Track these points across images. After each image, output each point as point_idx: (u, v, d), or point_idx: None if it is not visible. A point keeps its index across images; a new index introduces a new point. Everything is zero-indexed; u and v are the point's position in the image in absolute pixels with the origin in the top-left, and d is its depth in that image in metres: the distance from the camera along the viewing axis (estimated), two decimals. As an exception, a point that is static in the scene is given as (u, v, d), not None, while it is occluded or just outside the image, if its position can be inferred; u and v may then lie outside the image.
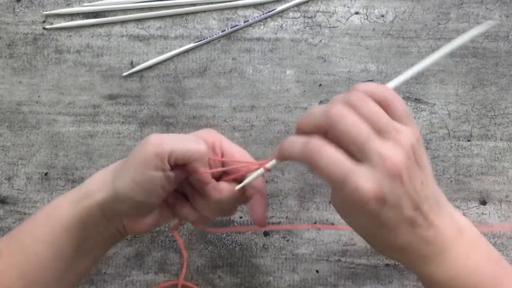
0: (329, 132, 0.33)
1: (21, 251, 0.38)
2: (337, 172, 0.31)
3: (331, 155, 0.32)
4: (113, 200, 0.37)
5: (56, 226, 0.38)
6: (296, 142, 0.34)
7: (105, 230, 0.39)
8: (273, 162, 0.37)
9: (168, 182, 0.37)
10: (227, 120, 0.53)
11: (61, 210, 0.39)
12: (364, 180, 0.31)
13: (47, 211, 0.39)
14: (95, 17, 0.55)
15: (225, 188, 0.39)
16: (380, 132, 0.32)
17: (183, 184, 0.40)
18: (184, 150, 0.37)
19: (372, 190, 0.31)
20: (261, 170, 0.38)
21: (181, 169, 0.38)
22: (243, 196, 0.40)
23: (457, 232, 0.34)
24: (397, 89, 0.53)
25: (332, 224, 0.51)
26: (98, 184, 0.38)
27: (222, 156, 0.40)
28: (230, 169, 0.39)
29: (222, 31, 0.54)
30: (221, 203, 0.39)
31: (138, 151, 0.37)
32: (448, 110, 0.53)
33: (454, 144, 0.52)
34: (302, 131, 0.34)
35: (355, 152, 0.32)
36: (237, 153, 0.40)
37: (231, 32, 0.55)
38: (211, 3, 0.55)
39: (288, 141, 0.34)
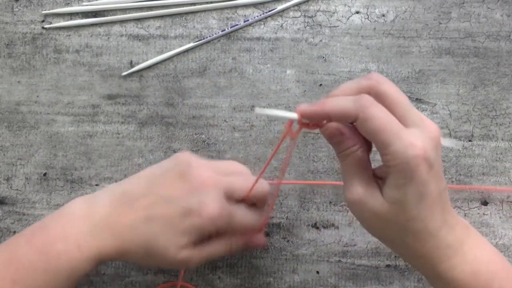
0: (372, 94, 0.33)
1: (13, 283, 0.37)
2: (389, 129, 0.32)
3: (384, 112, 0.32)
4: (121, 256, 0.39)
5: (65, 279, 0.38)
6: (343, 99, 0.34)
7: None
8: (294, 115, 0.36)
9: None
10: (227, 120, 0.53)
11: (74, 263, 0.38)
12: (416, 137, 0.32)
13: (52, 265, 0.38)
14: (94, 16, 0.55)
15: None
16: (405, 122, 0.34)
17: None
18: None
19: (423, 149, 0.32)
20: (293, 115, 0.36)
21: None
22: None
23: (466, 228, 0.36)
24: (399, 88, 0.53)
25: (333, 225, 0.51)
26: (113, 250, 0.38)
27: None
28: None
29: (222, 31, 0.54)
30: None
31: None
32: (449, 110, 0.53)
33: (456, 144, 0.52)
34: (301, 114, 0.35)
35: (401, 115, 0.33)
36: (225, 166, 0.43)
37: (231, 32, 0.55)
38: (211, 2, 0.55)
39: (331, 99, 0.34)
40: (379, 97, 0.33)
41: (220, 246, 0.40)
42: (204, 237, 0.39)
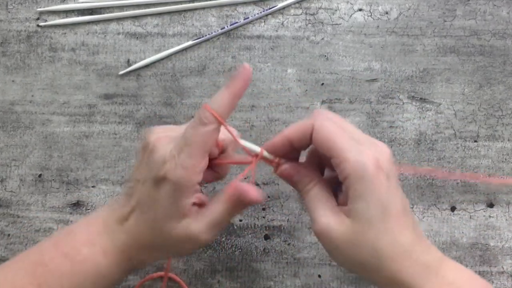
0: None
1: None
2: (342, 138, 0.34)
3: (335, 125, 0.35)
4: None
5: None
6: (298, 122, 0.37)
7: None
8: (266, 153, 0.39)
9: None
10: (226, 120, 0.53)
11: (100, 269, 0.38)
12: (367, 150, 0.34)
13: (89, 273, 0.38)
14: (91, 14, 0.55)
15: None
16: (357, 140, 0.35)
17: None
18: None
19: (374, 158, 0.34)
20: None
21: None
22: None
23: (440, 251, 0.36)
24: (402, 88, 0.53)
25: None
26: (139, 230, 0.38)
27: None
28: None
29: (222, 29, 0.54)
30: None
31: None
32: (454, 110, 0.53)
33: (461, 145, 0.52)
34: (283, 142, 0.38)
35: (353, 137, 0.35)
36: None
37: (231, 30, 0.55)
38: (210, -1, 0.55)
39: (288, 127, 0.38)
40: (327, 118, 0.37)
41: (217, 204, 0.39)
42: (188, 193, 0.37)
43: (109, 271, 0.38)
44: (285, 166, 0.38)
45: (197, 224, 0.38)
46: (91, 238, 0.39)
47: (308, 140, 0.36)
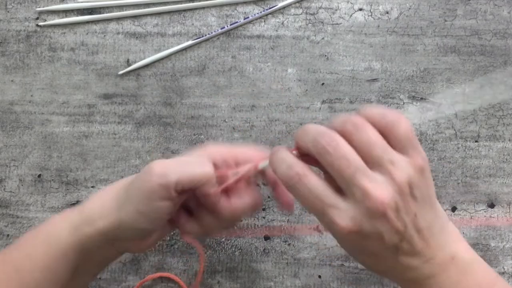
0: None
1: (17, 275, 0.38)
2: (316, 203, 0.32)
3: (314, 185, 0.32)
4: (117, 229, 0.37)
5: (55, 251, 0.38)
6: (284, 161, 0.34)
7: (105, 253, 0.39)
8: (265, 163, 0.37)
9: (174, 208, 0.37)
10: (226, 120, 0.53)
11: (60, 234, 0.38)
12: (342, 216, 0.31)
13: (46, 234, 0.39)
14: (90, 13, 0.55)
15: (238, 203, 0.38)
16: (372, 164, 0.32)
17: (187, 199, 0.39)
18: (191, 177, 0.36)
19: (347, 227, 0.31)
20: (264, 163, 0.37)
21: (188, 192, 0.37)
22: (254, 205, 0.39)
23: (448, 259, 0.34)
24: (402, 88, 0.53)
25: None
26: (101, 211, 0.38)
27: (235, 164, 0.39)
28: (239, 178, 0.39)
29: (221, 28, 0.54)
30: (234, 218, 0.39)
31: (142, 181, 0.36)
32: (454, 110, 0.53)
33: (461, 145, 0.52)
34: (297, 145, 0.35)
35: (341, 185, 0.32)
36: (241, 154, 0.39)
37: (231, 29, 0.55)
38: (210, -1, 0.55)
39: (279, 153, 0.34)
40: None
41: (209, 217, 0.39)
42: (169, 193, 0.37)
43: (85, 239, 0.38)
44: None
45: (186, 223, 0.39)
46: (64, 216, 0.39)
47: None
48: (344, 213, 0.31)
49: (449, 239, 0.34)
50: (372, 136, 0.32)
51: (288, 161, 0.33)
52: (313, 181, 0.32)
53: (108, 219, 0.37)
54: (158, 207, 0.36)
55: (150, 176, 0.36)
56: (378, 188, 0.31)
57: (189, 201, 0.39)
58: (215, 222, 0.39)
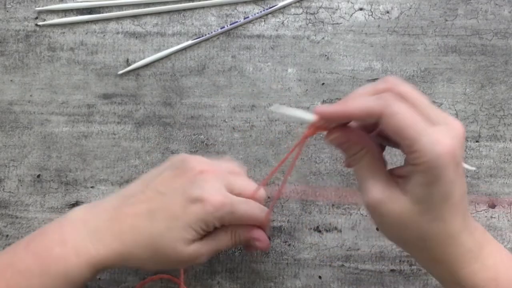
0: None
1: None
2: (416, 125, 0.32)
3: (408, 108, 0.32)
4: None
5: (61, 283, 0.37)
6: (365, 98, 0.33)
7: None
8: (311, 118, 0.35)
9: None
10: (226, 120, 0.53)
11: (79, 275, 0.38)
12: (442, 136, 0.31)
13: (63, 276, 0.38)
14: (90, 13, 0.55)
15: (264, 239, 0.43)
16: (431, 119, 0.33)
17: None
18: (250, 219, 0.40)
19: (450, 146, 0.31)
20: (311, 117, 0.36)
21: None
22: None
23: (484, 233, 0.36)
24: (403, 88, 0.53)
25: (336, 228, 0.51)
26: (107, 245, 0.38)
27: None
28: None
29: (221, 28, 0.54)
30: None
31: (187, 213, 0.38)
32: (455, 109, 0.53)
33: (462, 145, 0.52)
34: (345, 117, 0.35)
35: (424, 114, 0.32)
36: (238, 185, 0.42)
37: (231, 29, 0.55)
38: (210, -2, 0.55)
39: (352, 99, 0.34)
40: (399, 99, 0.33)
41: (226, 236, 0.41)
42: (210, 229, 0.39)
43: (80, 272, 0.37)
44: (335, 135, 0.36)
45: (204, 248, 0.39)
46: (63, 238, 0.38)
47: (373, 122, 0.34)
48: (442, 133, 0.32)
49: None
50: (423, 96, 0.34)
51: (371, 97, 0.33)
52: (406, 105, 0.33)
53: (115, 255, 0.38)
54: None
55: (202, 206, 0.38)
56: (452, 118, 0.34)
57: None
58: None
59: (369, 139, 0.36)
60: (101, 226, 0.38)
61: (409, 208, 0.33)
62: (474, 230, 0.35)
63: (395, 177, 0.35)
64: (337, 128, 0.36)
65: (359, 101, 0.33)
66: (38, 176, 0.53)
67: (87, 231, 0.38)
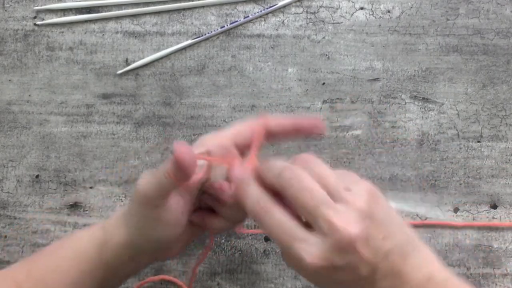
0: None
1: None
2: (284, 237, 0.32)
3: (281, 219, 0.32)
4: (131, 243, 0.38)
5: (83, 268, 0.38)
6: (251, 193, 0.34)
7: (128, 268, 0.40)
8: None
9: (184, 210, 0.38)
10: (226, 120, 0.53)
11: (88, 251, 0.39)
12: (310, 251, 0.31)
13: (73, 249, 0.39)
14: (89, 12, 0.55)
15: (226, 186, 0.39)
16: (333, 196, 0.32)
17: (204, 199, 0.40)
18: (156, 185, 0.37)
19: (318, 263, 0.31)
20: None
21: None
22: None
23: (425, 280, 0.33)
24: (404, 87, 0.53)
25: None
26: (116, 226, 0.39)
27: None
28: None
29: (221, 27, 0.54)
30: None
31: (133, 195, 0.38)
32: (457, 109, 0.53)
33: (464, 145, 0.52)
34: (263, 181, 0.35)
35: (307, 218, 0.32)
36: (238, 135, 0.40)
37: (231, 28, 0.55)
38: (210, -2, 0.55)
39: (246, 187, 0.34)
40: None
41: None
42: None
43: (110, 253, 0.39)
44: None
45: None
46: (90, 232, 0.40)
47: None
48: (312, 248, 0.31)
49: (423, 259, 0.34)
50: (327, 170, 0.33)
51: (255, 195, 0.33)
52: (280, 213, 0.32)
53: (121, 235, 0.38)
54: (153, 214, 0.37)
55: (135, 189, 0.37)
56: (343, 218, 0.31)
57: (207, 201, 0.40)
58: (230, 211, 0.39)
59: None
60: (112, 225, 0.40)
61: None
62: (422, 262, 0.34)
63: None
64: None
65: (246, 196, 0.34)
66: (37, 176, 0.53)
67: (102, 227, 0.40)
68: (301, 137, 0.39)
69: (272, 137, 0.39)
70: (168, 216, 0.37)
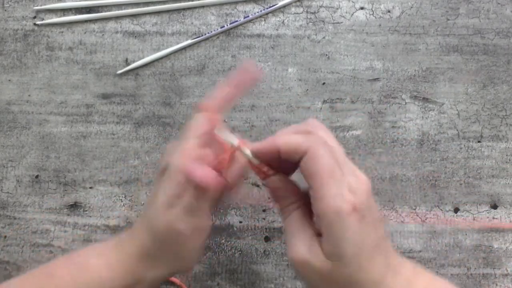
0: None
1: None
2: (332, 173, 0.33)
3: (330, 154, 0.34)
4: (170, 274, 0.40)
5: None
6: (294, 135, 0.35)
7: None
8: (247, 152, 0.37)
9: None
10: (226, 120, 0.53)
11: (104, 280, 0.39)
12: (348, 189, 0.33)
13: (89, 279, 0.39)
14: (88, 12, 0.55)
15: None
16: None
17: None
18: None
19: (352, 201, 0.33)
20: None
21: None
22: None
23: (413, 268, 0.36)
24: (404, 87, 0.53)
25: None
26: (151, 269, 0.39)
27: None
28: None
29: (221, 27, 0.55)
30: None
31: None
32: (457, 109, 0.53)
33: (464, 145, 0.52)
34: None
35: (341, 166, 0.34)
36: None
37: (231, 28, 0.55)
38: (210, -3, 0.55)
39: (281, 135, 0.36)
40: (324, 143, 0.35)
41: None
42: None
43: (111, 284, 0.38)
44: (274, 178, 0.38)
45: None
46: (100, 251, 0.40)
47: (296, 159, 0.35)
48: (350, 185, 0.33)
49: (389, 253, 0.36)
50: (340, 146, 0.36)
51: (300, 135, 0.35)
52: (329, 150, 0.34)
53: (158, 272, 0.39)
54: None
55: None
56: (359, 172, 0.35)
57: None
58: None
59: (303, 194, 0.38)
60: (124, 236, 0.40)
61: (328, 266, 0.34)
62: (400, 268, 0.36)
63: (317, 236, 0.36)
64: (278, 173, 0.38)
65: (288, 137, 0.35)
66: (37, 176, 0.53)
67: (117, 245, 0.40)
68: (245, 90, 0.39)
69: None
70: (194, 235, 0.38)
